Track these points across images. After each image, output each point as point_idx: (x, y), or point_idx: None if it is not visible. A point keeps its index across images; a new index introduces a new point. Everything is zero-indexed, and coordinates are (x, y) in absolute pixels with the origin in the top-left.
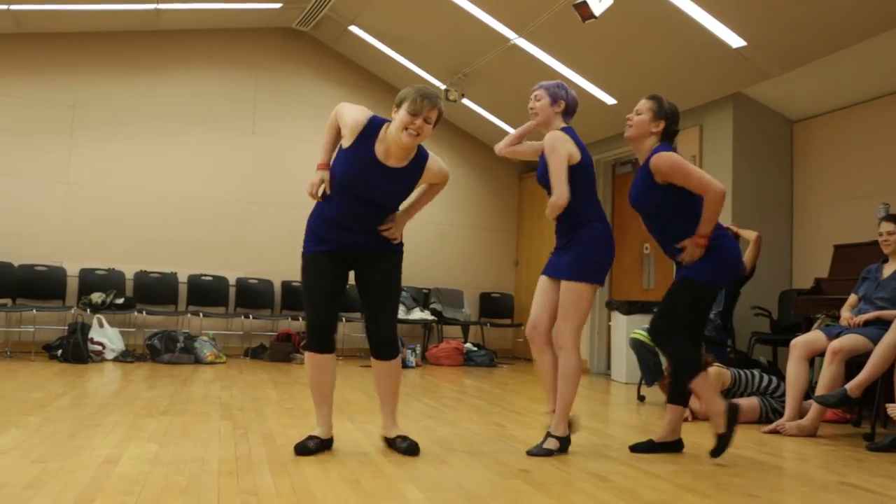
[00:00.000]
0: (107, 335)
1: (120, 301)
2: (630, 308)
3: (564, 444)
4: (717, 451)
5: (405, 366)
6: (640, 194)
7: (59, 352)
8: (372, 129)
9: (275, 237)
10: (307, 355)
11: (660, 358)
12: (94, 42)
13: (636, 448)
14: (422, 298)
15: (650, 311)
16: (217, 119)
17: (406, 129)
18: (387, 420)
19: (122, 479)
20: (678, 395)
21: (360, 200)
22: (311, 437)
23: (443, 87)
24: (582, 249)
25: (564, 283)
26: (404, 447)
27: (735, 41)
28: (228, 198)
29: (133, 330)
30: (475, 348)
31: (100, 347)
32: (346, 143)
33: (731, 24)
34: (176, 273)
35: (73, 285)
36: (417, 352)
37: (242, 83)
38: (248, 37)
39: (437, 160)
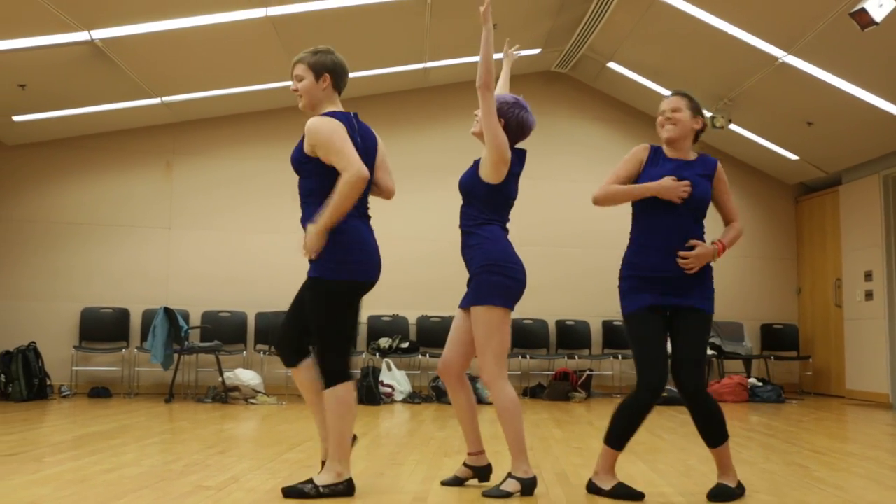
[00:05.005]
0: (395, 378)
1: (405, 345)
2: None
3: (529, 485)
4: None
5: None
6: (705, 189)
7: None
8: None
9: (547, 278)
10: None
11: None
12: (366, 105)
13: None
14: None
15: None
16: None
17: None
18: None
19: None
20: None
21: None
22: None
23: (708, 114)
24: None
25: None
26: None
27: None
28: None
29: (418, 372)
30: (760, 383)
31: (389, 389)
32: None
33: None
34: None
35: (362, 332)
36: None
37: None
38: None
39: None
